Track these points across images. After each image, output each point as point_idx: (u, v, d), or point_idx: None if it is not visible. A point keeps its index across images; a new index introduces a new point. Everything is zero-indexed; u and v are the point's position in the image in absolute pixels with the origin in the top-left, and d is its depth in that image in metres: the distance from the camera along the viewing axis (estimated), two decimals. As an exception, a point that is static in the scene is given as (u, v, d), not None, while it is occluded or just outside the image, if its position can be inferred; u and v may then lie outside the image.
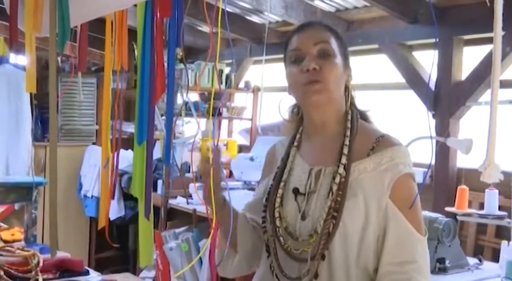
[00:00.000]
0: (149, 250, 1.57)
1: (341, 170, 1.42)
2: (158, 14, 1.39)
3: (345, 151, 1.45)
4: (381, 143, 1.46)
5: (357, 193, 1.40)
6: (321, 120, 1.52)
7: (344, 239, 1.39)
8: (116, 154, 1.97)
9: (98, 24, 2.14)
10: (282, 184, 1.52)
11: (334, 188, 1.41)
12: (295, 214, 1.47)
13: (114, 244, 5.50)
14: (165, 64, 1.42)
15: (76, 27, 1.96)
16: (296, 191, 1.49)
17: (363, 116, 1.58)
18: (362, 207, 1.39)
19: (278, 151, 1.65)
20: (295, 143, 1.58)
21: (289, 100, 1.61)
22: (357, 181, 1.42)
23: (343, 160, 1.44)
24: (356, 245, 1.40)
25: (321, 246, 1.39)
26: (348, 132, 1.48)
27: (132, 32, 1.75)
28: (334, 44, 1.50)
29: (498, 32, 1.38)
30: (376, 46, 4.45)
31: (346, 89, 1.54)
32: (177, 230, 4.28)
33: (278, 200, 1.50)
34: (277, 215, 1.49)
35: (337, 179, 1.42)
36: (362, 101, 1.60)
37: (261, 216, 1.55)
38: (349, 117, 1.51)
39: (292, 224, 1.47)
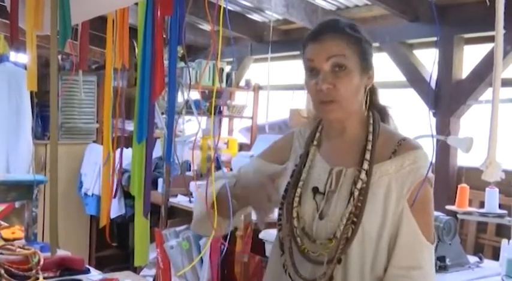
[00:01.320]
0: (145, 249, 1.57)
1: (363, 175, 1.42)
2: (159, 12, 1.39)
3: (367, 156, 1.44)
4: (403, 146, 1.45)
5: (377, 195, 1.40)
6: (341, 127, 1.51)
7: (362, 242, 1.39)
8: (119, 153, 1.97)
9: (98, 22, 2.14)
10: (301, 183, 1.51)
11: (356, 193, 1.40)
12: (313, 213, 1.46)
13: (114, 242, 5.51)
14: (166, 62, 1.42)
15: (77, 25, 1.96)
16: (315, 190, 1.48)
17: (382, 116, 1.56)
18: (381, 210, 1.39)
19: (296, 140, 1.63)
20: (315, 142, 1.56)
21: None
22: (378, 183, 1.42)
23: (365, 165, 1.43)
24: (373, 247, 1.40)
25: (339, 251, 1.39)
26: (370, 137, 1.47)
27: (132, 30, 1.75)
28: (348, 56, 1.44)
29: (500, 30, 1.37)
30: (377, 44, 4.44)
31: (366, 92, 1.51)
32: (178, 229, 4.28)
33: (296, 199, 1.49)
34: (295, 214, 1.48)
35: (359, 185, 1.41)
36: (383, 98, 1.58)
37: (278, 214, 1.54)
38: (371, 121, 1.50)
39: (309, 223, 1.46)
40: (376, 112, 1.54)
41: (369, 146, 1.45)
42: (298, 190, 1.50)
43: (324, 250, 1.41)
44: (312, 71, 1.45)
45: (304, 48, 1.50)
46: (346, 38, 1.46)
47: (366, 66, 1.49)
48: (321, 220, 1.44)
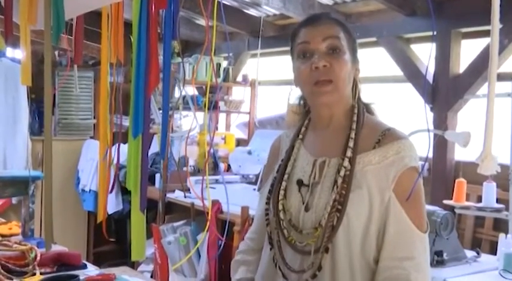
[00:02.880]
0: (141, 244, 1.57)
1: (346, 163, 1.41)
2: (153, 6, 1.38)
3: (351, 144, 1.44)
4: (387, 136, 1.45)
5: (361, 185, 1.40)
6: (329, 116, 1.51)
7: (348, 232, 1.39)
8: (116, 148, 1.96)
9: (96, 18, 2.13)
10: (286, 176, 1.52)
11: (339, 181, 1.40)
12: (299, 205, 1.47)
13: (112, 238, 5.51)
14: (161, 57, 1.41)
15: (72, 20, 1.96)
16: (300, 183, 1.48)
17: (368, 109, 1.57)
18: (366, 199, 1.39)
19: (283, 142, 1.64)
20: (300, 136, 1.57)
21: (296, 92, 1.60)
22: (362, 173, 1.41)
23: (348, 153, 1.43)
24: (360, 237, 1.39)
25: (325, 239, 1.39)
26: (354, 126, 1.47)
27: (128, 26, 1.74)
28: (343, 39, 1.47)
29: (495, 24, 1.37)
30: (374, 39, 4.45)
31: (354, 83, 1.52)
32: (175, 224, 4.28)
33: (282, 192, 1.50)
34: (281, 207, 1.48)
35: (342, 172, 1.41)
36: (367, 93, 1.58)
37: (265, 208, 1.54)
38: (356, 111, 1.50)
39: (296, 215, 1.46)
40: (362, 103, 1.55)
41: (352, 135, 1.46)
42: (283, 183, 1.51)
43: (310, 239, 1.41)
44: (305, 55, 1.47)
45: (295, 36, 1.52)
46: (340, 25, 1.50)
47: (355, 58, 1.51)
48: (307, 212, 1.44)
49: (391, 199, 1.39)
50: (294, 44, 1.52)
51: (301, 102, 1.63)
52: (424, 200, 1.46)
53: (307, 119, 1.60)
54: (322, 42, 1.45)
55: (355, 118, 1.49)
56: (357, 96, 1.53)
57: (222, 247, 3.76)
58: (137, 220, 1.54)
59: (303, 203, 1.46)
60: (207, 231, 3.40)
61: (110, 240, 5.49)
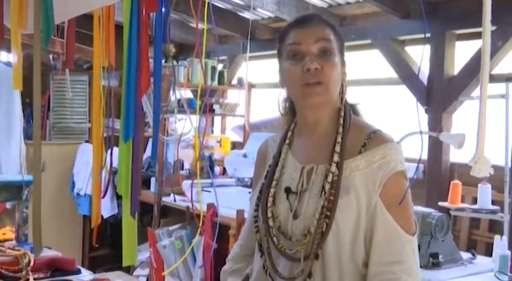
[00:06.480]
0: (133, 249, 1.56)
1: (333, 168, 1.41)
2: (144, 9, 1.37)
3: (337, 148, 1.43)
4: (373, 139, 1.44)
5: (349, 190, 1.39)
6: (315, 119, 1.50)
7: (337, 237, 1.38)
8: (109, 152, 1.96)
9: (89, 21, 2.13)
10: (274, 183, 1.50)
11: (327, 187, 1.40)
12: (287, 213, 1.46)
13: (106, 242, 5.50)
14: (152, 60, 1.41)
15: (64, 23, 1.95)
16: (288, 190, 1.47)
17: (354, 110, 1.55)
18: (354, 205, 1.38)
19: (270, 147, 1.63)
20: (287, 141, 1.56)
21: (282, 94, 1.58)
22: (349, 178, 1.40)
23: (336, 158, 1.42)
24: (349, 243, 1.39)
25: (314, 246, 1.38)
26: (341, 129, 1.46)
27: (120, 28, 1.73)
28: (334, 42, 1.46)
29: (487, 27, 1.37)
30: (368, 41, 4.45)
31: (341, 85, 1.51)
32: (171, 228, 4.27)
33: (270, 199, 1.48)
34: (270, 214, 1.47)
35: (330, 178, 1.40)
36: (352, 95, 1.57)
37: (253, 215, 1.53)
38: (342, 114, 1.49)
39: (285, 223, 1.45)
40: (349, 106, 1.53)
41: (339, 139, 1.45)
42: (272, 190, 1.49)
43: (299, 246, 1.40)
44: (295, 56, 1.45)
45: (284, 36, 1.50)
46: (330, 28, 1.49)
47: (343, 60, 1.50)
48: (295, 219, 1.44)
49: (378, 204, 1.38)
50: (283, 44, 1.50)
51: (287, 104, 1.59)
52: (412, 202, 1.45)
53: (293, 123, 1.58)
54: (313, 44, 1.43)
55: (341, 121, 1.48)
56: (344, 99, 1.52)
57: (214, 251, 3.75)
58: (128, 225, 1.53)
59: (291, 211, 1.45)
60: (199, 235, 3.39)
61: (105, 244, 5.48)
